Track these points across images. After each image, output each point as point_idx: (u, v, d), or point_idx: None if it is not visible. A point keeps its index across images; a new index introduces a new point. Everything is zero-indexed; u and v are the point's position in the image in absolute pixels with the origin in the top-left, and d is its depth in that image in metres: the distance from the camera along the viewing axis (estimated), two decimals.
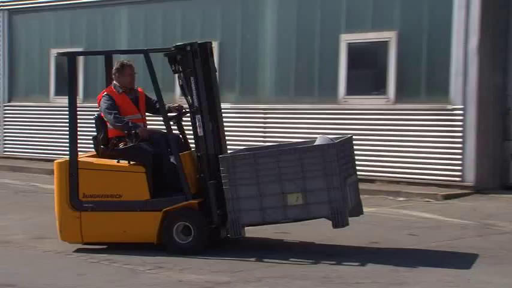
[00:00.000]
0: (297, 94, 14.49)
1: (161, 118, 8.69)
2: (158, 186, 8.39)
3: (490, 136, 12.86)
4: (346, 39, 13.71)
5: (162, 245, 8.26)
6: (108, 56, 9.50)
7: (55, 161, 8.74)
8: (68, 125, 8.70)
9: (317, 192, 7.95)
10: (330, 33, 13.95)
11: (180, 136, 8.91)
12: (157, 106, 8.84)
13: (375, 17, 13.59)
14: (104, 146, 8.70)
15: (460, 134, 12.69)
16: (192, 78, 8.38)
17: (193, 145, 8.61)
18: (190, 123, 8.51)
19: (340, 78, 13.93)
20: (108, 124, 8.66)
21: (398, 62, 13.29)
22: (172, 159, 8.45)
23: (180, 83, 8.57)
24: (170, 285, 6.91)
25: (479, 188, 12.60)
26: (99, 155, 8.70)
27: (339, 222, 7.96)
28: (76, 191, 8.38)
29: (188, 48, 8.38)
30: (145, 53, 8.55)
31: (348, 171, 8.37)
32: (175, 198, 8.30)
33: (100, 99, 8.77)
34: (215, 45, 15.35)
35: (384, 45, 13.43)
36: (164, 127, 8.53)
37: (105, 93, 8.80)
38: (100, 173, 8.48)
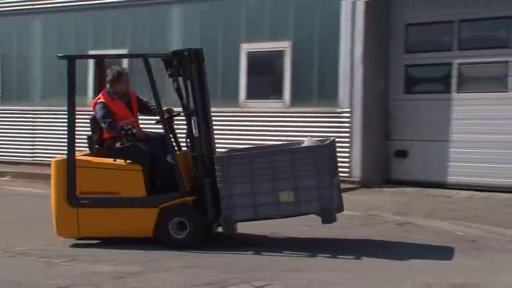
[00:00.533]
0: None
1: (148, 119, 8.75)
2: (152, 185, 8.23)
3: (374, 136, 13.17)
4: (246, 48, 13.83)
5: (156, 239, 8.12)
6: (101, 60, 9.12)
7: (52, 160, 8.49)
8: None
9: (308, 190, 7.83)
10: (232, 42, 14.05)
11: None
12: (150, 106, 8.75)
13: (271, 29, 13.77)
14: (99, 145, 8.51)
15: (347, 134, 12.98)
16: (188, 82, 8.23)
17: (184, 145, 8.51)
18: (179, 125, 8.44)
19: (240, 84, 14.07)
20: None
21: (293, 69, 13.50)
22: (168, 159, 8.28)
23: (176, 87, 8.35)
24: (83, 276, 6.81)
25: (365, 183, 12.94)
26: (93, 154, 8.50)
27: (328, 218, 7.92)
28: (73, 188, 8.16)
29: (185, 53, 8.23)
30: (145, 57, 8.38)
31: (334, 172, 8.33)
32: (171, 195, 8.12)
33: (95, 104, 8.55)
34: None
35: (280, 54, 13.61)
36: (157, 129, 8.51)
37: (100, 100, 8.54)
38: (98, 171, 8.26)
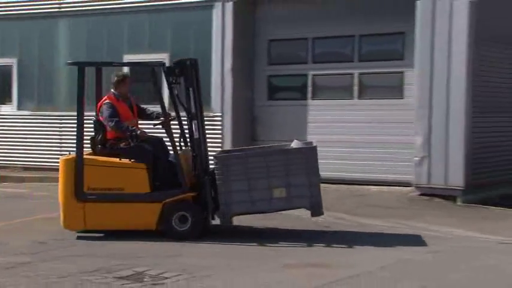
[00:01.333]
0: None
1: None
2: (153, 182, 8.03)
3: (242, 137, 13.31)
4: (128, 58, 13.59)
5: (158, 232, 7.91)
6: (99, 68, 8.71)
7: (61, 158, 8.20)
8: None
9: (299, 187, 7.83)
10: (115, 52, 13.76)
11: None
12: (147, 112, 8.59)
13: (150, 41, 13.61)
14: (102, 146, 8.19)
15: (220, 136, 13.06)
16: (190, 89, 8.09)
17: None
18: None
19: None
20: (107, 127, 8.17)
21: None
22: (170, 158, 8.16)
23: (176, 93, 8.15)
24: None
25: None
26: (96, 153, 8.17)
27: (317, 212, 7.96)
28: (81, 184, 7.88)
29: (188, 63, 8.12)
30: (150, 65, 8.28)
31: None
32: (173, 192, 7.96)
33: (101, 106, 8.25)
34: (14, 62, 14.71)
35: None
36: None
37: (107, 100, 8.24)
38: (105, 169, 7.99)
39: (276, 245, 7.72)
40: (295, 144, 8.57)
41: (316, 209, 7.94)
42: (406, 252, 7.29)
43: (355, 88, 12.35)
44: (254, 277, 6.28)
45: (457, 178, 10.73)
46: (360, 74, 12.28)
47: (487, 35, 11.08)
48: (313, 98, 12.89)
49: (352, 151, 12.20)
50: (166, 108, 8.47)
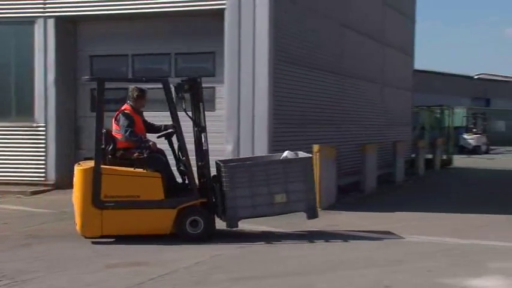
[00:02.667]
0: None
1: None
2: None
3: (66, 146, 12.95)
4: None
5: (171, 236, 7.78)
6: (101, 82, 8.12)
7: (78, 167, 7.86)
8: None
9: (297, 193, 7.98)
10: None
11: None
12: (154, 126, 8.46)
13: None
14: (112, 156, 7.93)
15: (43, 144, 12.64)
16: (200, 104, 8.04)
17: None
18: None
19: None
20: (118, 137, 7.99)
21: None
22: (181, 167, 8.14)
23: (184, 107, 8.00)
24: None
25: (59, 186, 12.59)
26: (105, 163, 7.82)
27: (312, 215, 8.15)
28: (99, 192, 7.58)
29: (198, 80, 8.08)
30: (166, 82, 8.05)
31: None
32: (186, 198, 7.91)
33: (117, 115, 8.07)
34: None
35: None
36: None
37: (126, 111, 8.11)
38: (121, 177, 7.77)
39: (93, 245, 7.57)
40: (288, 154, 8.53)
41: (312, 212, 8.18)
42: (220, 248, 7.48)
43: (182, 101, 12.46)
44: (76, 278, 6.12)
45: None
46: None
47: (285, 57, 11.73)
48: None
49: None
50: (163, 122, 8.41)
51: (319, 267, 6.65)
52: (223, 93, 11.69)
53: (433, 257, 7.14)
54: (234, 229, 8.05)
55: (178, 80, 8.51)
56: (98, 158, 7.76)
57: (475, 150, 29.19)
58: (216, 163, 8.24)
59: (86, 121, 13.11)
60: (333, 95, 13.97)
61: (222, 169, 7.94)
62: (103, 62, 13.04)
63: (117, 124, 8.12)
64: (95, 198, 7.65)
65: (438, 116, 24.90)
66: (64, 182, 12.77)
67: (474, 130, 30.92)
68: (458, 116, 33.87)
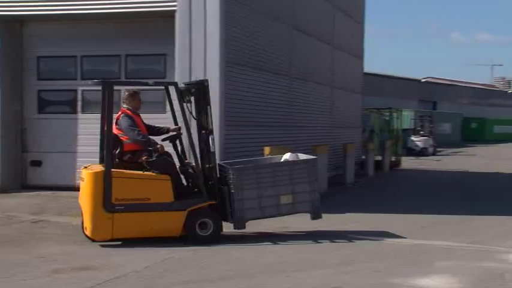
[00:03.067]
0: None
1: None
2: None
3: (12, 148, 12.60)
4: None
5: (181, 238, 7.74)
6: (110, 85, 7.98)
7: (87, 171, 7.68)
8: None
9: (302, 194, 8.08)
10: None
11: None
12: (154, 127, 8.32)
13: None
14: (119, 159, 7.82)
15: None
16: (208, 107, 7.99)
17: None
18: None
19: None
20: (124, 140, 7.81)
21: None
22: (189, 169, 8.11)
23: (190, 110, 8.05)
24: None
25: (5, 189, 12.24)
26: (113, 167, 7.66)
27: (316, 215, 8.26)
28: (109, 196, 7.47)
29: (206, 83, 8.04)
30: (176, 85, 8.14)
31: None
32: (196, 200, 7.86)
33: (118, 119, 7.85)
34: None
35: None
36: None
37: (124, 114, 7.92)
38: (131, 180, 7.66)
39: (43, 250, 7.36)
40: (290, 156, 8.54)
41: (316, 213, 8.30)
42: (170, 252, 7.39)
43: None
44: (20, 284, 5.94)
45: None
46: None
47: (237, 59, 11.70)
48: (83, 111, 12.58)
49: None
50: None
51: (271, 269, 6.63)
52: (174, 95, 11.55)
53: (383, 257, 7.23)
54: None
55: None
56: (108, 161, 7.64)
57: (422, 152, 29.80)
58: (220, 165, 8.24)
59: (33, 123, 12.82)
60: (284, 97, 14.03)
61: (230, 171, 7.92)
62: (51, 63, 12.78)
63: (119, 128, 7.92)
64: (106, 202, 7.54)
65: (387, 118, 25.31)
66: (10, 185, 12.45)
67: (421, 132, 31.57)
68: (406, 118, 34.56)
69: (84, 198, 7.75)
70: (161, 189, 7.74)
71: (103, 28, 12.28)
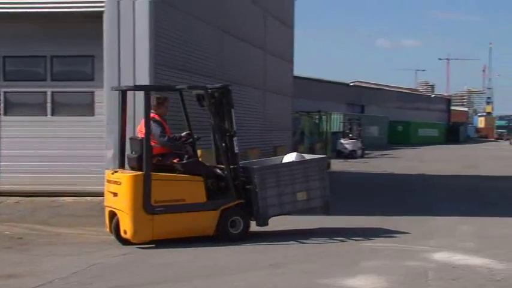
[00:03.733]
0: None
1: None
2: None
3: None
4: None
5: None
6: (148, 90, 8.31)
7: (127, 175, 7.91)
8: None
9: (315, 190, 8.74)
10: None
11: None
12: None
13: None
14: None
15: None
16: (232, 110, 8.39)
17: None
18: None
19: None
20: (153, 144, 8.04)
21: None
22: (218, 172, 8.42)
23: (215, 113, 8.36)
24: None
25: None
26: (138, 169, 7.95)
27: (327, 210, 8.89)
28: (149, 198, 7.69)
29: (230, 87, 8.43)
30: (206, 89, 8.43)
31: None
32: (226, 200, 8.22)
33: (148, 123, 7.99)
34: None
35: None
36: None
37: (154, 118, 8.18)
38: (168, 182, 7.96)
39: None
40: (295, 157, 9.08)
41: (327, 208, 8.92)
42: (99, 257, 7.24)
43: (49, 105, 11.96)
44: None
45: None
46: (53, 92, 11.93)
47: (167, 62, 11.60)
48: (5, 114, 12.13)
49: (48, 165, 11.77)
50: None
51: (202, 273, 6.62)
52: (102, 97, 11.35)
53: (312, 259, 7.34)
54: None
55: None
56: (147, 164, 7.87)
57: (351, 155, 30.41)
58: (241, 166, 8.59)
59: None
60: None
61: (253, 172, 8.41)
62: None
63: (152, 133, 8.13)
64: (146, 204, 7.73)
65: (317, 121, 25.74)
66: None
67: (350, 135, 32.24)
68: (336, 121, 35.27)
69: (123, 201, 7.86)
70: (195, 190, 8.10)
71: (29, 28, 11.86)
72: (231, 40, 15.01)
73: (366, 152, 32.80)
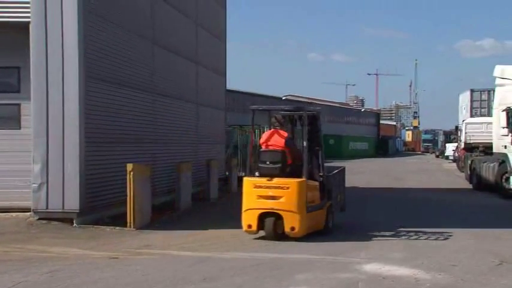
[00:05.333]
0: None
1: None
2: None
3: None
4: None
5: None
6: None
7: (295, 181, 9.48)
8: None
9: (341, 194, 11.18)
10: None
11: None
12: None
13: None
14: (281, 171, 9.62)
15: None
16: (319, 131, 10.11)
17: None
18: None
19: None
20: (288, 156, 9.68)
21: None
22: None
23: (307, 132, 9.73)
24: None
25: None
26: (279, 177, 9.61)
27: (344, 209, 11.34)
28: (306, 200, 9.61)
29: (318, 108, 10.48)
30: (319, 113, 10.25)
31: None
32: (326, 200, 10.19)
33: (286, 140, 9.78)
34: None
35: None
36: None
37: (287, 136, 9.87)
38: (310, 188, 9.75)
39: None
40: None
41: (344, 207, 11.36)
42: (23, 275, 6.97)
43: (22, 118, 11.50)
44: None
45: (73, 202, 10.71)
46: None
47: (96, 74, 11.38)
48: None
49: (18, 180, 11.31)
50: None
51: None
52: (29, 110, 11.01)
53: (245, 272, 7.32)
54: (45, 254, 7.54)
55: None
56: (306, 173, 9.63)
57: None
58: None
59: None
60: (146, 113, 13.83)
61: (329, 177, 10.49)
62: None
63: (287, 146, 9.77)
64: (307, 205, 9.52)
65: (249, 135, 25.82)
66: None
67: None
68: None
69: (291, 203, 9.42)
70: (316, 193, 9.96)
71: None
72: (163, 52, 14.90)
73: None
